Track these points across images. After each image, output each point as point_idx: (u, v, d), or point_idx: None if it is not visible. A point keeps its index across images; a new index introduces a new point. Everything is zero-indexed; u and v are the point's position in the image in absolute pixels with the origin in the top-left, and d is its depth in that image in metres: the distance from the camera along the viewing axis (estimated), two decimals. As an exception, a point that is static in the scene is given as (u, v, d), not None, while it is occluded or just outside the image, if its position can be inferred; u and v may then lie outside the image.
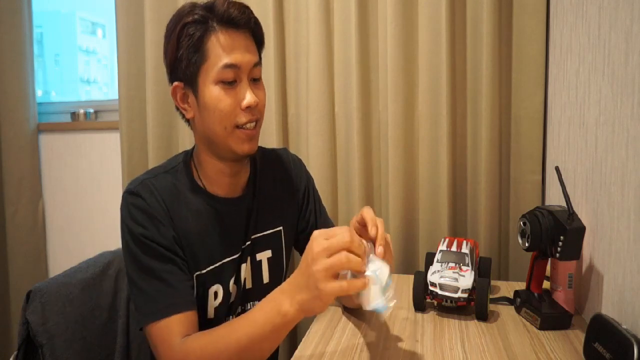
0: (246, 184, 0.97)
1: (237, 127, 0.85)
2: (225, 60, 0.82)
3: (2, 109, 1.75)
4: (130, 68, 1.58)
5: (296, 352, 0.84)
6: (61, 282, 0.95)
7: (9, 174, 1.79)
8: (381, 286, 0.67)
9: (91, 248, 1.18)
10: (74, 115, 1.87)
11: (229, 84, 0.83)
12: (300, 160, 1.09)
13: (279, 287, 0.73)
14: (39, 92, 1.89)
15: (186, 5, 0.86)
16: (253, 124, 0.86)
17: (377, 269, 0.68)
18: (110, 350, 1.04)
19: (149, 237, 0.82)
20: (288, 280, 0.72)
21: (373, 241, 0.74)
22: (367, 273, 0.67)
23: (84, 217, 1.85)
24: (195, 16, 0.82)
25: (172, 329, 0.79)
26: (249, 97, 0.84)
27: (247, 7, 0.86)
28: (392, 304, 0.68)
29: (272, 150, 1.06)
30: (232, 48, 0.83)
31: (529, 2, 1.28)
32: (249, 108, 0.84)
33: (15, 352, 0.87)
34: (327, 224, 1.09)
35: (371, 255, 0.71)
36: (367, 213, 0.79)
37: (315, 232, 0.69)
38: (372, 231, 0.75)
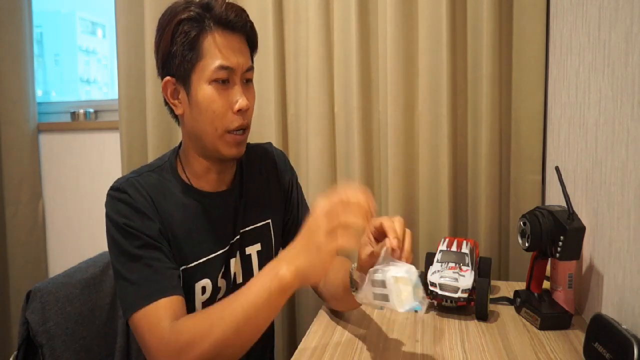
0: (233, 179, 0.97)
1: (228, 131, 0.85)
2: (221, 61, 0.83)
3: (2, 109, 1.75)
4: (130, 68, 1.58)
5: (296, 353, 0.83)
6: (61, 282, 0.95)
7: (9, 174, 1.79)
8: (413, 286, 0.66)
9: (91, 248, 1.18)
10: (74, 115, 1.86)
11: (222, 84, 0.84)
12: (284, 154, 1.11)
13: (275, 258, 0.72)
14: (39, 92, 1.89)
15: (180, 1, 0.86)
16: (242, 130, 0.87)
17: (408, 270, 0.67)
18: (110, 350, 1.04)
19: (134, 227, 0.81)
20: (286, 248, 0.71)
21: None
22: (401, 274, 0.66)
23: (84, 217, 1.85)
24: (191, 13, 0.82)
25: (160, 313, 0.76)
26: (241, 101, 0.84)
27: (244, 11, 0.87)
28: (426, 302, 0.68)
29: (258, 145, 1.07)
30: (228, 50, 0.83)
31: (529, 2, 1.28)
32: (240, 111, 0.85)
33: (15, 352, 0.87)
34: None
35: (396, 261, 0.71)
36: (387, 223, 0.76)
37: (319, 199, 0.68)
38: (393, 242, 0.72)
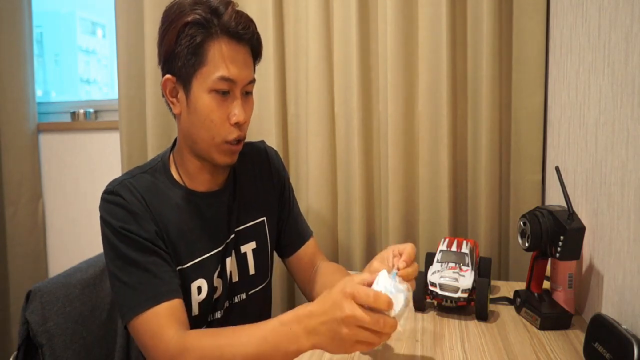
0: (226, 179, 0.97)
1: (225, 142, 0.86)
2: (223, 72, 0.82)
3: (2, 109, 1.75)
4: (130, 68, 1.58)
5: (296, 352, 0.83)
6: (61, 282, 0.95)
7: (9, 174, 1.79)
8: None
9: (91, 248, 1.18)
10: (73, 115, 1.86)
11: (222, 94, 0.83)
12: (277, 153, 1.11)
13: (294, 315, 0.69)
14: (39, 92, 1.89)
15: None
16: (238, 141, 0.88)
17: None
18: (110, 350, 1.04)
19: (130, 230, 0.81)
20: (305, 313, 0.67)
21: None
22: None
23: (84, 217, 1.85)
24: (198, 17, 0.81)
25: (161, 319, 0.76)
26: (238, 115, 0.84)
27: (252, 22, 0.86)
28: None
29: (251, 144, 1.07)
30: (232, 61, 0.83)
31: (529, 2, 1.28)
32: (237, 124, 0.85)
33: (15, 352, 0.87)
34: (299, 219, 1.10)
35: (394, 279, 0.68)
36: (410, 252, 0.74)
37: (348, 290, 0.63)
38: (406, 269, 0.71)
